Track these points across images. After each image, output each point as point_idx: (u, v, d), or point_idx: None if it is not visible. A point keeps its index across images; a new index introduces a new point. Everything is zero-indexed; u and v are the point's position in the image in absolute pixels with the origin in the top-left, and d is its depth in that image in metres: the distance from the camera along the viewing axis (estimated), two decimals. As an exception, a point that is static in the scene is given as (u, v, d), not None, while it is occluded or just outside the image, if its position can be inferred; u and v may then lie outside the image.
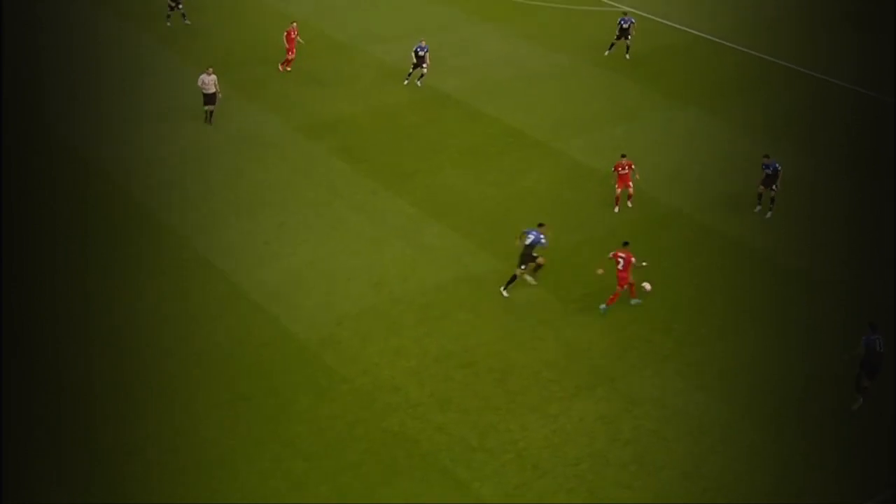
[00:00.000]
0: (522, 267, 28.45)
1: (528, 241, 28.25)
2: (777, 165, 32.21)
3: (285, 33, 41.60)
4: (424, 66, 40.36)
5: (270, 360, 25.81)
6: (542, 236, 28.26)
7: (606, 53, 43.84)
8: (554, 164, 35.50)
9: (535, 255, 28.34)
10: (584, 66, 43.37)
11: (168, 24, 45.45)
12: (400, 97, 40.11)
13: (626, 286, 27.95)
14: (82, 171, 33.85)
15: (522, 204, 32.97)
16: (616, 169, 32.52)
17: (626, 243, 28.43)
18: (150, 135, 36.44)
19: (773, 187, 32.33)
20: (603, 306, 28.00)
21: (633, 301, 28.25)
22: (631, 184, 32.49)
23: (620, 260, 27.80)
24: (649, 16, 48.76)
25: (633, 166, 32.45)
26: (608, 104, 39.96)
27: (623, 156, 32.80)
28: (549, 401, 24.87)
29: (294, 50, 41.49)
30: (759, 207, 32.63)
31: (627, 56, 43.83)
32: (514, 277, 28.50)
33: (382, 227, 31.56)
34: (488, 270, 29.54)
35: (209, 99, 36.74)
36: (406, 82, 40.75)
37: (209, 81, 36.58)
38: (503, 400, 24.88)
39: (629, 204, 32.90)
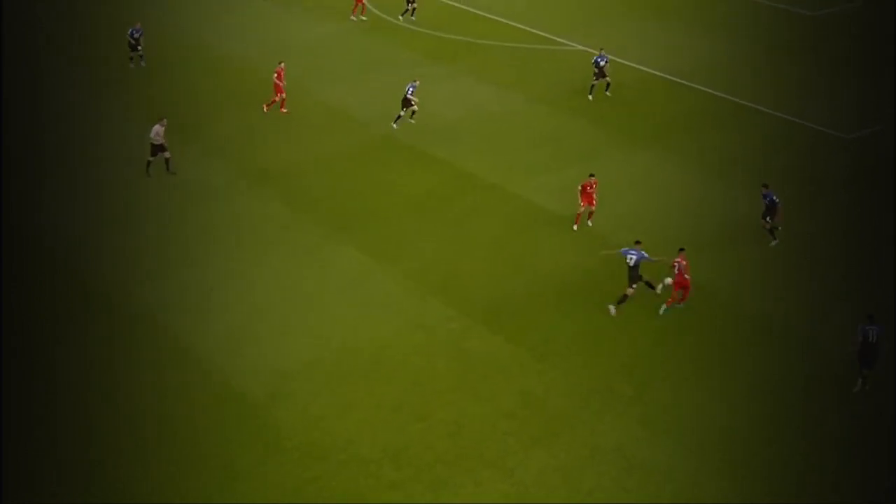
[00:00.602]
0: (633, 287, 29.77)
1: (632, 263, 29.69)
2: (774, 197, 33.04)
3: (275, 73, 41.75)
4: (413, 105, 40.93)
5: (215, 417, 25.49)
6: (644, 253, 29.86)
7: (590, 97, 44.32)
8: (509, 207, 35.63)
9: (641, 274, 29.86)
10: (538, 106, 43.68)
11: (132, 65, 45.96)
12: (346, 142, 40.16)
13: (681, 290, 29.82)
14: (12, 226, 33.49)
15: (476, 249, 33.01)
16: (584, 187, 33.75)
17: (682, 249, 30.10)
18: (88, 183, 36.15)
19: (767, 219, 33.20)
20: (664, 307, 29.81)
21: (678, 305, 29.97)
22: (594, 202, 33.85)
23: (676, 265, 29.63)
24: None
25: (595, 185, 33.98)
26: (564, 145, 40.21)
27: (591, 175, 34.12)
28: (505, 454, 24.75)
29: (282, 91, 41.83)
30: (775, 241, 33.31)
31: (608, 93, 44.69)
32: (625, 297, 29.78)
33: (331, 276, 31.43)
34: (441, 318, 29.48)
35: (158, 149, 36.53)
36: (395, 125, 41.06)
37: (162, 132, 36.47)
38: (458, 454, 24.72)
39: (589, 223, 34.17)
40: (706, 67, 48.11)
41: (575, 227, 34.01)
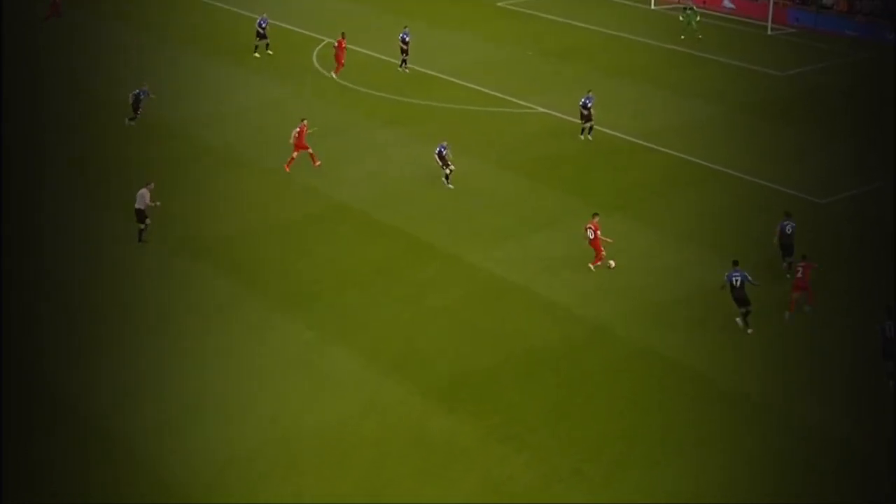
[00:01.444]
0: (743, 310, 32.13)
1: (738, 283, 31.97)
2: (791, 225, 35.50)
3: (297, 130, 42.68)
4: (449, 165, 41.56)
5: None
6: (745, 273, 32.18)
7: (581, 137, 46.44)
8: (468, 278, 35.26)
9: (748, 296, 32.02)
10: (499, 171, 43.54)
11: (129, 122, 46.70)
12: (296, 210, 39.77)
13: (800, 292, 32.89)
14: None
15: (433, 323, 32.53)
16: (587, 229, 35.55)
17: (804, 257, 33.17)
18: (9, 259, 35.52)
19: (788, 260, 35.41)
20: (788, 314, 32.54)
21: (808, 308, 32.98)
22: (603, 250, 35.59)
23: (800, 269, 32.69)
24: (565, 116, 49.35)
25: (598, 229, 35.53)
26: (526, 211, 40.01)
27: (595, 215, 35.93)
28: (467, 545, 24.04)
29: (301, 147, 42.73)
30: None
31: (590, 137, 46.32)
32: (746, 312, 32.12)
33: (278, 354, 30.80)
34: (397, 398, 28.88)
35: (140, 215, 36.43)
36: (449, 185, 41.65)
37: (147, 197, 36.43)
38: (416, 547, 23.99)
39: (591, 267, 35.59)
40: (674, 129, 48.26)
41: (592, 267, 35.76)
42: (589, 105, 46.08)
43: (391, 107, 50.48)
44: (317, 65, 56.75)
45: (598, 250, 35.59)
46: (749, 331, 32.15)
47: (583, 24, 65.63)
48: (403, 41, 54.93)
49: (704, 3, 70.57)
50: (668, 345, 31.43)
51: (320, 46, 59.71)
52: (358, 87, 52.92)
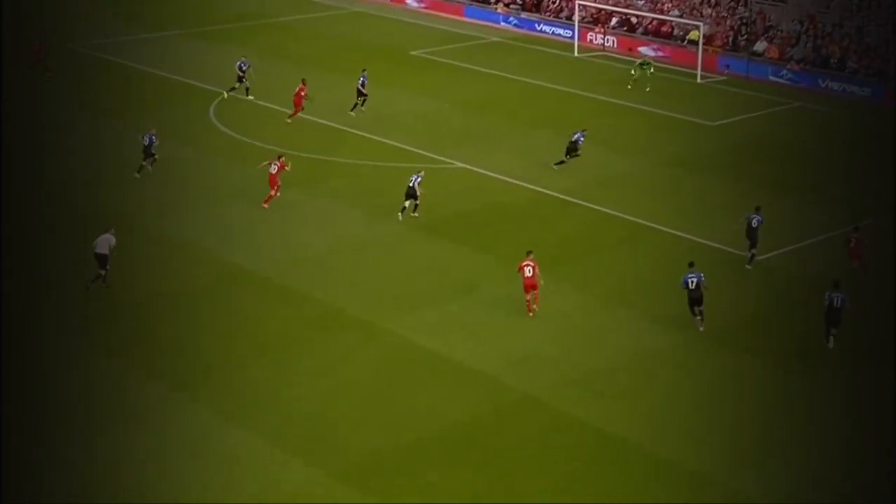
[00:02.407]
0: (698, 310, 35.28)
1: (693, 285, 35.02)
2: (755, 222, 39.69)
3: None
4: (417, 196, 43.93)
5: None
6: (701, 274, 35.17)
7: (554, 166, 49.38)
8: (384, 347, 34.83)
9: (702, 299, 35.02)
10: (415, 232, 43.28)
11: (137, 175, 48.03)
12: (186, 279, 39.21)
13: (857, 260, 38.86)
14: None
15: (346, 398, 31.98)
16: (522, 268, 36.47)
17: (857, 228, 38.98)
18: None
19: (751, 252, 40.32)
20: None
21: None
22: (538, 287, 36.38)
23: (853, 240, 38.53)
24: (485, 171, 49.34)
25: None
26: (443, 276, 39.73)
27: (529, 253, 36.82)
28: None
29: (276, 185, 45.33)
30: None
31: (555, 167, 49.30)
32: (700, 313, 35.17)
33: (170, 438, 29.95)
34: (304, 483, 28.16)
35: (103, 261, 37.63)
36: (400, 217, 43.84)
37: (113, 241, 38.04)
38: None
39: (534, 309, 36.54)
40: (601, 184, 48.50)
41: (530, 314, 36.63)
42: (580, 143, 49.65)
43: (297, 164, 49.97)
44: (214, 120, 56.21)
45: (534, 288, 36.56)
46: (701, 328, 35.47)
47: (501, 73, 66.03)
48: (362, 85, 56.38)
49: (630, 50, 71.56)
50: (601, 415, 31.12)
51: (218, 100, 59.31)
52: (263, 144, 52.43)
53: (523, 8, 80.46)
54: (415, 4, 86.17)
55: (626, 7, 74.71)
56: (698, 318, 35.48)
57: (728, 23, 70.16)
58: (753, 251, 40.35)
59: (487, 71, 66.51)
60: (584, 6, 74.78)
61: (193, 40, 73.45)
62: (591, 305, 37.78)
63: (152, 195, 46.34)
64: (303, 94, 55.09)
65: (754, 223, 40.16)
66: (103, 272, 37.77)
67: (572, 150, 49.48)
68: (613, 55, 71.83)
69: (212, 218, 44.15)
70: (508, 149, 52.91)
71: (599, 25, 74.59)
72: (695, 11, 72.06)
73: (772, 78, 65.56)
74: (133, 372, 33.02)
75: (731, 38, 69.16)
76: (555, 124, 56.44)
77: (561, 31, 76.14)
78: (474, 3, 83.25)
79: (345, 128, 55.48)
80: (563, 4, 78.48)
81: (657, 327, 35.90)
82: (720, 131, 56.48)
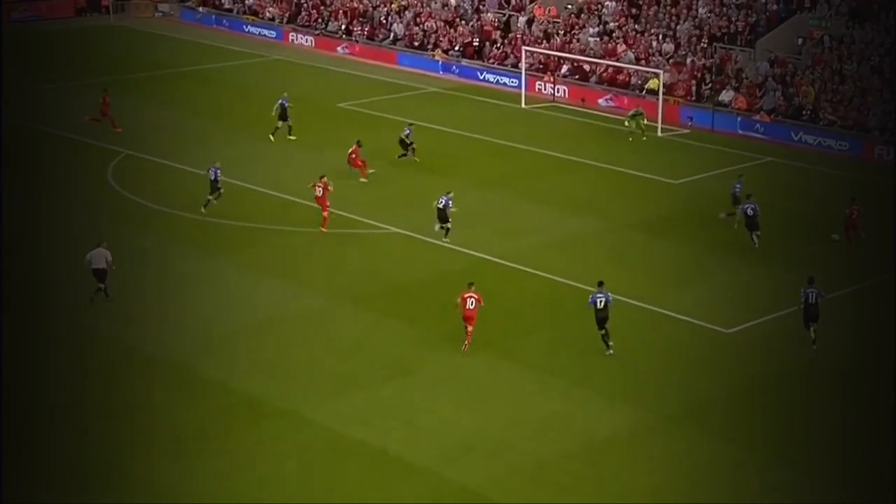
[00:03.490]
0: (602, 331, 38.91)
1: (601, 305, 38.49)
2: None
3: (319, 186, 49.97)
4: (448, 219, 48.43)
5: None
6: (609, 294, 38.63)
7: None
8: (307, 439, 34.39)
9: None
10: (342, 307, 43.05)
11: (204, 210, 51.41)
12: (82, 362, 38.54)
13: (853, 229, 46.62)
14: None
15: (265, 496, 31.48)
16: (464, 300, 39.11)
17: (854, 199, 45.14)
18: None
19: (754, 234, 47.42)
20: None
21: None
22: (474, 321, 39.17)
23: (855, 211, 45.76)
24: (423, 237, 49.21)
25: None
26: (376, 355, 39.42)
27: (471, 284, 39.36)
28: None
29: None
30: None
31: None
32: (605, 333, 38.91)
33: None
34: None
35: (101, 275, 42.09)
36: (445, 241, 48.28)
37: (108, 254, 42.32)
38: None
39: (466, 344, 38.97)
40: (553, 248, 48.58)
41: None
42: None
43: (212, 231, 49.72)
44: (112, 182, 55.68)
45: (471, 321, 39.17)
46: (609, 352, 38.64)
47: (440, 127, 66.25)
48: (406, 137, 59.53)
49: (584, 100, 72.15)
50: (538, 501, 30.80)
51: (118, 160, 58.92)
52: (172, 210, 52.02)
53: (463, 55, 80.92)
54: (342, 51, 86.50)
55: (579, 53, 75.27)
56: (603, 332, 38.78)
57: (690, 69, 70.76)
58: (757, 233, 47.27)
59: (424, 125, 66.59)
60: (531, 52, 75.35)
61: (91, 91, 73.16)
62: (543, 386, 37.52)
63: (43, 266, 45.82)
64: (354, 156, 56.65)
65: (750, 211, 46.81)
66: (102, 286, 42.28)
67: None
68: (564, 106, 72.32)
69: (112, 292, 43.58)
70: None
71: (549, 74, 75.19)
72: (653, 57, 72.67)
73: (740, 131, 66.13)
74: (26, 484, 32.19)
75: (693, 87, 69.80)
76: (501, 183, 56.47)
77: (506, 79, 76.70)
78: (408, 50, 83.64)
79: (264, 189, 55.23)
80: (508, 51, 79.02)
81: (616, 410, 35.70)
82: (684, 190, 56.79)
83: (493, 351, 39.28)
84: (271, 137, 62.63)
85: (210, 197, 51.46)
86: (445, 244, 47.64)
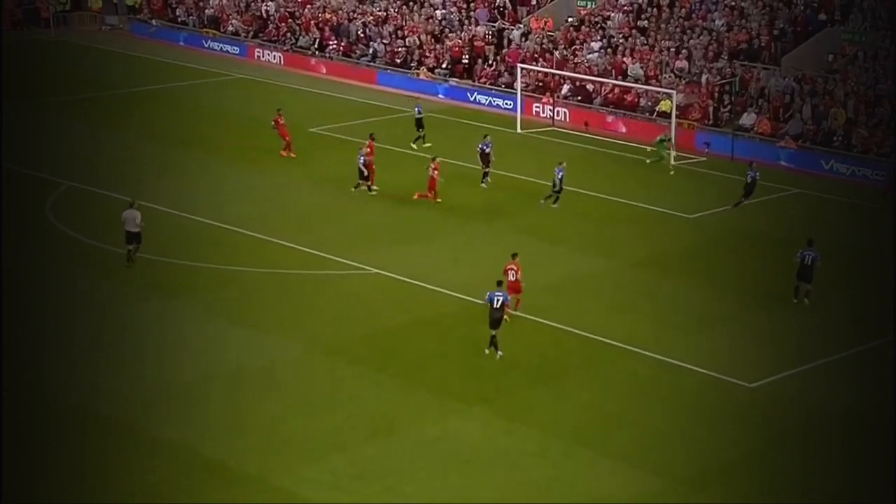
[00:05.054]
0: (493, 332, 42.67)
1: (498, 304, 42.33)
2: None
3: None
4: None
5: None
6: (507, 294, 43.09)
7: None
8: (273, 511, 34.52)
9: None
10: (317, 357, 43.22)
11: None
12: (28, 418, 38.53)
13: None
14: None
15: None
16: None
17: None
18: None
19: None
20: None
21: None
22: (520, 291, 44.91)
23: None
24: (404, 278, 49.42)
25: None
26: (353, 412, 39.54)
27: (514, 255, 45.72)
28: None
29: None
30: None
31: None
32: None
33: None
34: None
35: (134, 237, 48.91)
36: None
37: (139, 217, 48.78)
38: None
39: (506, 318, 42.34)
40: (555, 292, 48.78)
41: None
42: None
43: (176, 274, 49.77)
44: (52, 219, 55.91)
45: (516, 291, 44.60)
46: (498, 355, 42.46)
47: (424, 154, 66.34)
48: (483, 152, 62.21)
49: (587, 124, 72.51)
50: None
51: (58, 192, 59.28)
52: (110, 247, 52.02)
53: (452, 73, 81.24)
54: (320, 69, 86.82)
55: (582, 71, 75.56)
56: (494, 334, 42.58)
57: (706, 89, 70.96)
58: (808, 287, 46.97)
59: (406, 152, 66.94)
60: (528, 70, 75.66)
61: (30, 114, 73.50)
62: (544, 447, 37.62)
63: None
64: (435, 175, 59.20)
65: (808, 260, 46.72)
66: (131, 247, 48.86)
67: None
68: (565, 131, 72.66)
69: (49, 340, 43.67)
70: (434, 249, 53.09)
71: (547, 95, 75.51)
72: (664, 76, 73.02)
73: (763, 158, 66.24)
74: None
75: (710, 110, 70.11)
76: (494, 217, 56.70)
77: (500, 101, 77.18)
78: (390, 69, 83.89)
79: (226, 226, 55.36)
80: (502, 69, 79.32)
81: (622, 473, 35.82)
82: (699, 225, 57.08)
83: (490, 408, 39.41)
84: (413, 146, 68.07)
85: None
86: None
